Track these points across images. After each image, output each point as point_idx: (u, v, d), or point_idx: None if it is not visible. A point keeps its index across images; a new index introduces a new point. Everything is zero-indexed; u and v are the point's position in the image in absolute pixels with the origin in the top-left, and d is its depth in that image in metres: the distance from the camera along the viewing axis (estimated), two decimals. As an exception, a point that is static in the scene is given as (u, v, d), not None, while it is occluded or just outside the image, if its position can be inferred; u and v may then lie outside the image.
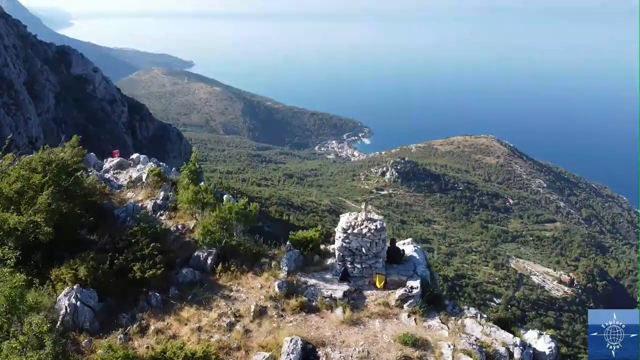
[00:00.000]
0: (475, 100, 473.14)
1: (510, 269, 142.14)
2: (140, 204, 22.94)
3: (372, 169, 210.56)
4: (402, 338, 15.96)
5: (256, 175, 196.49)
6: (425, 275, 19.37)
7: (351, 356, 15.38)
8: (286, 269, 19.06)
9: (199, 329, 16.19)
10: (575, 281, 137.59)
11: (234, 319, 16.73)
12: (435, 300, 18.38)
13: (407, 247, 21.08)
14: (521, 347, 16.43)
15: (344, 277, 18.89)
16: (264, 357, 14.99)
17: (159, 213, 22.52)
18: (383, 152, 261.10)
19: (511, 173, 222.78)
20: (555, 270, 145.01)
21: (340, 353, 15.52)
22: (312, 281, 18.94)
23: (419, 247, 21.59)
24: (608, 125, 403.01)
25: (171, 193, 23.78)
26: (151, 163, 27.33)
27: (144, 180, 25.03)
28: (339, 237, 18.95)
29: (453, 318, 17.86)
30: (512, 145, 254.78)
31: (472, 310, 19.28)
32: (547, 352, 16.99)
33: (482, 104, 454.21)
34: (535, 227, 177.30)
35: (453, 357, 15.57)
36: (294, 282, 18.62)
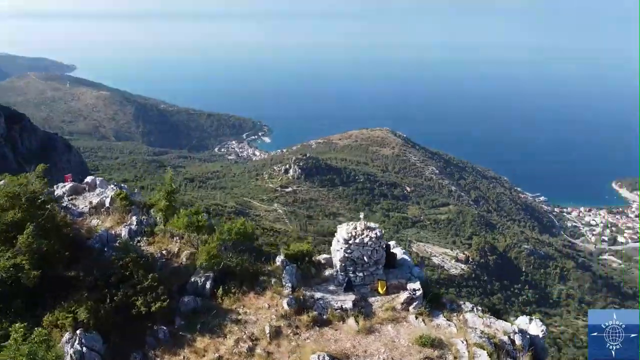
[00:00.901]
0: (369, 94, 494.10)
1: (412, 252, 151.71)
2: (112, 232, 21.41)
3: (275, 167, 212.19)
4: (419, 340, 16.70)
5: (155, 182, 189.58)
6: (422, 276, 20.36)
7: None
8: (289, 285, 18.95)
9: (220, 358, 15.79)
10: (470, 258, 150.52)
11: (251, 343, 16.41)
12: (435, 299, 19.39)
13: (396, 250, 21.81)
14: (520, 334, 18.01)
15: (349, 286, 19.26)
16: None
17: (136, 240, 21.14)
18: (284, 150, 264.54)
19: (406, 162, 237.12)
20: (452, 250, 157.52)
21: None
22: (318, 294, 19.00)
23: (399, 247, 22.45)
24: (485, 110, 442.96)
25: (144, 217, 22.61)
26: (112, 186, 25.64)
27: (107, 205, 23.47)
28: (341, 248, 19.25)
29: (455, 314, 19.03)
30: (405, 136, 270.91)
31: (469, 305, 20.50)
32: (540, 335, 18.69)
33: (375, 98, 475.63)
34: (432, 212, 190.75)
35: (468, 352, 16.63)
36: (301, 297, 18.54)
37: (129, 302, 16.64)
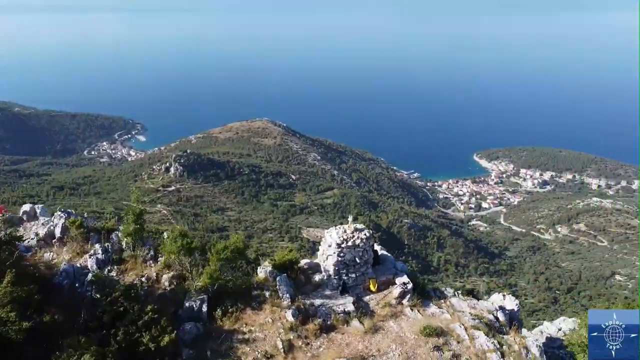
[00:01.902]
0: (246, 85, 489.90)
1: (303, 239, 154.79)
2: (77, 265, 19.19)
3: (154, 167, 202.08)
4: (424, 331, 17.58)
5: (17, 194, 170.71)
6: (405, 270, 21.09)
7: None
8: (288, 295, 18.75)
9: (244, 382, 15.04)
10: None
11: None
12: (421, 289, 20.23)
13: (376, 247, 22.26)
14: (501, 311, 19.57)
15: (345, 289, 19.47)
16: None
17: (106, 270, 19.34)
18: (162, 148, 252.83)
19: (289, 151, 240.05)
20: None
21: None
22: (317, 301, 19.02)
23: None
24: (355, 95, 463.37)
25: (108, 244, 20.62)
26: (59, 213, 22.62)
27: (58, 234, 21.00)
28: (334, 253, 19.41)
29: (442, 301, 20.08)
30: (285, 125, 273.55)
31: (450, 290, 21.69)
32: (515, 309, 20.52)
33: (253, 89, 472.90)
34: (318, 197, 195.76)
35: (468, 335, 17.88)
36: (302, 306, 18.45)
37: (133, 340, 15.25)
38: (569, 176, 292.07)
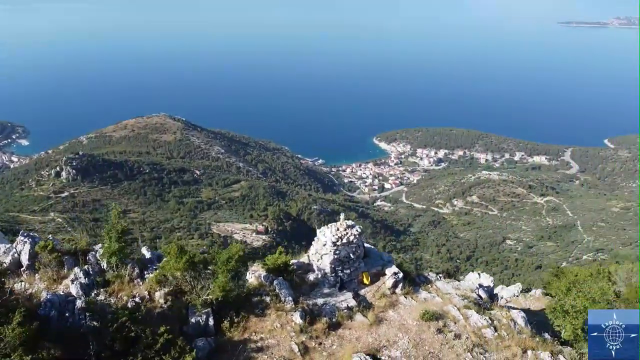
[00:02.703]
0: (137, 79, 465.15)
1: (214, 234, 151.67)
2: (58, 293, 17.38)
3: (42, 172, 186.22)
4: (424, 317, 18.56)
5: None
6: (391, 260, 21.71)
7: (407, 349, 17.23)
8: (290, 299, 18.79)
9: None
10: (268, 228, 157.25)
11: None
12: (410, 277, 20.98)
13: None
14: (482, 289, 21.09)
15: (342, 286, 19.85)
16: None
17: (93, 294, 17.84)
18: (50, 151, 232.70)
19: (190, 146, 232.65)
20: (251, 224, 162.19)
21: (398, 351, 17.16)
22: (319, 300, 19.30)
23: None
24: (248, 84, 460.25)
25: (87, 266, 18.96)
26: (22, 238, 20.11)
27: (26, 262, 19.04)
28: (330, 251, 19.66)
29: (429, 286, 21.08)
30: (184, 119, 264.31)
31: (433, 275, 22.73)
32: (491, 285, 22.29)
33: (146, 83, 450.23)
34: (225, 191, 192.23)
35: (462, 314, 19.17)
36: (306, 307, 18.56)
37: (154, 366, 14.45)
38: (460, 153, 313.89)
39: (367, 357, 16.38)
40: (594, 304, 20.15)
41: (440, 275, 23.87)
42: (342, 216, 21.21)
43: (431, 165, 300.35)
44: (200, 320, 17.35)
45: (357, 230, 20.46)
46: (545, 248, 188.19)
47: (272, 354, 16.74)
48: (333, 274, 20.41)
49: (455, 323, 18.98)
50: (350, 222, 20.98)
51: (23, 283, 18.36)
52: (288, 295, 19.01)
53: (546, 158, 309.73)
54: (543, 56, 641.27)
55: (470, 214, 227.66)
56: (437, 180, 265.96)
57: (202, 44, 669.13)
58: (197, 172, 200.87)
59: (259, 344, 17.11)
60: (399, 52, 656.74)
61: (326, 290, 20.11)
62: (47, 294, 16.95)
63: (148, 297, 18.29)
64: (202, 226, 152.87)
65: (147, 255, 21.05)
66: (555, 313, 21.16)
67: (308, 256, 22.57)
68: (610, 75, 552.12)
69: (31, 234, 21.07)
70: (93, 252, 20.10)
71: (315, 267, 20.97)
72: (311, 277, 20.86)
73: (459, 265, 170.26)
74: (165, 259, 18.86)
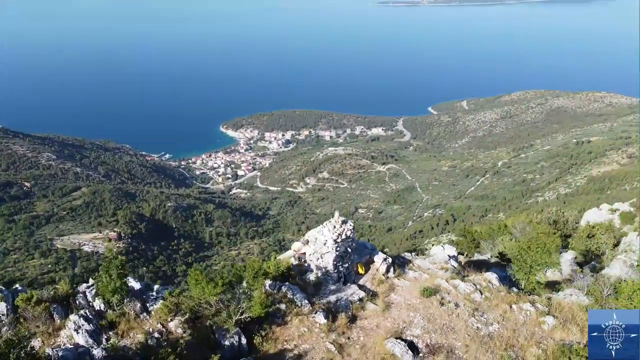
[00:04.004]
0: None
1: (59, 250, 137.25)
2: (67, 346, 15.63)
3: None
4: (424, 294, 20.34)
5: None
6: (374, 248, 23.17)
7: (424, 325, 18.84)
8: (306, 302, 19.18)
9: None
10: (121, 234, 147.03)
11: None
12: (394, 260, 22.56)
13: None
14: (451, 258, 23.62)
15: (346, 280, 20.93)
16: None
17: (104, 339, 16.18)
18: None
19: (13, 156, 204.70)
20: (101, 233, 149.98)
21: (417, 329, 18.73)
22: (331, 297, 20.02)
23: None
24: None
25: (84, 310, 17.08)
26: None
27: (5, 319, 16.40)
28: (332, 249, 20.44)
29: (411, 264, 23.02)
30: (1, 127, 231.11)
31: (408, 255, 24.54)
32: (456, 254, 24.89)
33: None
34: (64, 200, 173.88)
35: (451, 285, 21.34)
36: (323, 307, 19.08)
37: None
38: (306, 132, 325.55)
39: (398, 340, 17.52)
40: (551, 255, 24.10)
41: (413, 253, 26.12)
42: (336, 214, 21.70)
43: (280, 147, 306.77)
44: (234, 342, 17.07)
45: (350, 225, 21.37)
46: (393, 211, 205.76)
47: (312, 357, 17.15)
48: (335, 271, 21.12)
49: (449, 294, 20.97)
50: (342, 218, 21.66)
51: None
52: (303, 298, 19.38)
53: (382, 129, 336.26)
54: (366, 34, 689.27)
55: (323, 190, 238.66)
56: (288, 162, 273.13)
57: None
58: (27, 184, 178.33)
59: (295, 352, 17.36)
60: (217, 37, 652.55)
61: (332, 287, 20.79)
62: (57, 351, 15.10)
63: (164, 329, 17.32)
64: (43, 243, 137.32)
65: (137, 286, 19.43)
66: (519, 267, 24.42)
67: (295, 257, 23.05)
68: (426, 49, 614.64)
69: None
70: (81, 294, 18.23)
71: (313, 267, 21.46)
72: (311, 277, 21.26)
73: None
74: (195, 285, 18.02)
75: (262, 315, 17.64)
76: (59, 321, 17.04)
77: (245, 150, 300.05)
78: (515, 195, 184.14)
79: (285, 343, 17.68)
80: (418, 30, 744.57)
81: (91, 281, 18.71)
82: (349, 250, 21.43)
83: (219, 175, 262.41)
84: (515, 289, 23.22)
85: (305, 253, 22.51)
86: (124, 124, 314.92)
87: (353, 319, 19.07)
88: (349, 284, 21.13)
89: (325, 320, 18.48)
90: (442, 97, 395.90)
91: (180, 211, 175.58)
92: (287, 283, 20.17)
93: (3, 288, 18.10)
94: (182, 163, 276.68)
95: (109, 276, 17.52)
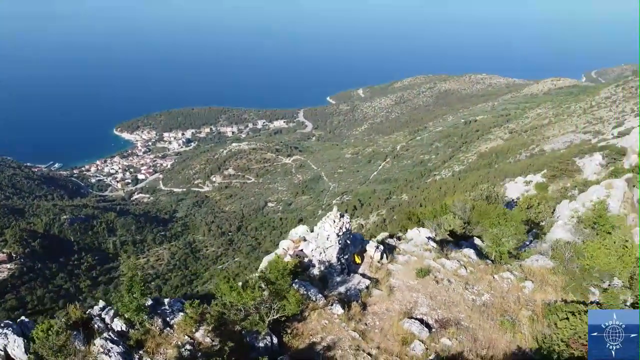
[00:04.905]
0: None
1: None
2: None
3: None
4: (420, 274, 21.87)
5: None
6: (361, 236, 24.30)
7: (429, 304, 20.30)
8: (320, 296, 19.78)
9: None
10: (13, 254, 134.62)
11: (360, 350, 17.35)
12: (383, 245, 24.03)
13: None
14: (430, 239, 25.53)
15: (349, 270, 21.89)
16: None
17: (136, 358, 15.66)
18: None
19: None
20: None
21: (423, 307, 20.09)
22: (341, 289, 20.89)
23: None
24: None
25: (108, 335, 15.99)
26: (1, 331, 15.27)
27: (21, 356, 14.91)
28: (335, 243, 21.12)
29: (397, 249, 24.40)
30: None
31: (391, 240, 25.85)
32: (431, 235, 26.82)
33: None
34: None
35: (439, 264, 23.00)
36: (336, 299, 19.87)
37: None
38: (207, 130, 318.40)
39: (412, 320, 18.83)
40: (519, 227, 27.03)
41: (394, 238, 27.02)
42: (335, 208, 22.42)
43: (181, 147, 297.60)
44: (267, 343, 17.26)
45: (347, 218, 22.07)
46: (302, 202, 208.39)
47: (341, 347, 17.73)
48: (339, 263, 21.85)
49: (439, 272, 22.61)
50: (340, 212, 22.33)
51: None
52: (317, 293, 19.94)
53: (284, 122, 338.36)
54: (253, 29, 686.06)
55: (231, 187, 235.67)
56: (192, 161, 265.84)
57: None
58: None
59: (323, 344, 17.86)
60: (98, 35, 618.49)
61: (338, 279, 21.57)
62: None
63: (192, 340, 17.12)
64: None
65: (148, 302, 18.55)
66: (492, 241, 26.82)
67: (293, 254, 23.45)
68: (320, 40, 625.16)
69: (8, 322, 16.33)
70: (97, 317, 17.30)
71: (316, 262, 21.97)
72: (315, 271, 21.83)
73: (232, 237, 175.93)
74: (231, 291, 17.81)
75: (297, 313, 18.11)
76: (83, 348, 15.96)
77: (144, 152, 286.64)
78: (415, 175, 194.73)
79: (311, 337, 18.24)
80: (304, 23, 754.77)
81: (101, 303, 17.94)
82: (348, 242, 22.33)
83: (118, 182, 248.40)
84: (488, 261, 25.43)
85: (302, 250, 23.03)
86: (1, 134, 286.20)
87: (364, 306, 20.16)
88: (352, 274, 22.06)
89: (342, 311, 19.29)
90: (339, 87, 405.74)
91: (78, 223, 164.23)
92: (296, 280, 20.61)
93: (10, 322, 16.51)
94: (75, 172, 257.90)
95: (132, 294, 17.04)
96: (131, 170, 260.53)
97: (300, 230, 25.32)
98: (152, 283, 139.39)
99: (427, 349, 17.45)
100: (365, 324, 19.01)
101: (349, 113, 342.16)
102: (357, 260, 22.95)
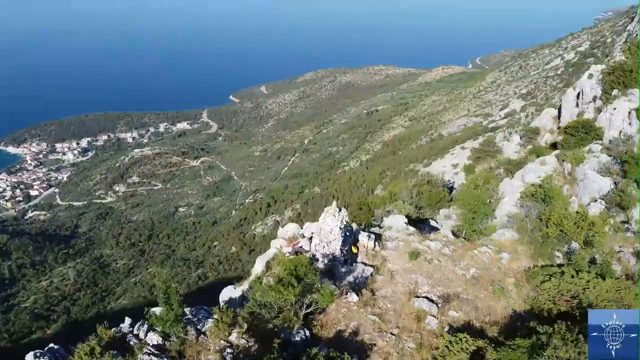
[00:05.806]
0: None
1: None
2: None
3: None
4: (412, 257, 23.48)
5: None
6: (353, 225, 25.35)
7: (428, 282, 22.12)
8: (334, 287, 20.51)
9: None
10: None
11: (383, 332, 18.75)
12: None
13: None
14: (409, 224, 27.26)
15: (351, 260, 22.96)
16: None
17: None
18: None
19: None
20: None
21: (424, 286, 21.88)
22: (349, 278, 21.98)
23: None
24: None
25: (146, 348, 15.68)
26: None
27: None
28: (337, 237, 22.06)
29: (385, 234, 25.95)
30: None
31: (375, 229, 26.81)
32: (409, 220, 28.33)
33: None
34: None
35: (425, 246, 24.74)
36: (349, 288, 20.95)
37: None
38: (105, 137, 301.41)
39: (420, 298, 20.52)
40: (484, 205, 29.89)
41: (377, 226, 28.12)
42: (334, 203, 23.09)
43: (78, 157, 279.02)
44: (302, 336, 17.82)
45: (344, 212, 22.86)
46: (214, 204, 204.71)
47: (366, 330, 18.93)
48: (342, 255, 22.77)
49: (427, 253, 24.33)
50: (337, 207, 23.08)
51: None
52: (331, 284, 20.69)
53: (188, 123, 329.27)
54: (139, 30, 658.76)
55: (136, 195, 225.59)
56: (90, 171, 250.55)
57: None
58: None
59: (349, 330, 18.96)
60: None
61: (343, 270, 22.52)
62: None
63: (231, 343, 17.24)
64: None
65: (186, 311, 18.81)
66: (465, 220, 29.32)
67: (291, 250, 23.92)
68: (215, 37, 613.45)
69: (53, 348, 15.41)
70: (130, 334, 16.95)
71: (319, 256, 22.68)
72: (320, 265, 22.43)
73: (143, 247, 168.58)
74: (269, 290, 18.08)
75: (330, 304, 19.11)
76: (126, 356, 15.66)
77: (35, 166, 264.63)
78: (325, 168, 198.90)
79: (335, 326, 19.25)
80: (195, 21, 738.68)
81: (127, 320, 17.48)
82: (347, 234, 23.36)
83: (7, 200, 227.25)
84: (462, 239, 27.77)
85: (302, 246, 23.61)
86: None
87: (372, 292, 21.41)
88: (354, 264, 23.22)
89: (357, 298, 20.48)
90: (241, 84, 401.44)
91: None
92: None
93: (44, 350, 15.48)
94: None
95: (169, 305, 16.79)
96: (22, 187, 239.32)
97: (291, 228, 26.02)
98: (59, 305, 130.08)
99: (439, 322, 19.29)
100: (379, 307, 20.45)
101: (253, 110, 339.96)
102: (354, 250, 24.08)
